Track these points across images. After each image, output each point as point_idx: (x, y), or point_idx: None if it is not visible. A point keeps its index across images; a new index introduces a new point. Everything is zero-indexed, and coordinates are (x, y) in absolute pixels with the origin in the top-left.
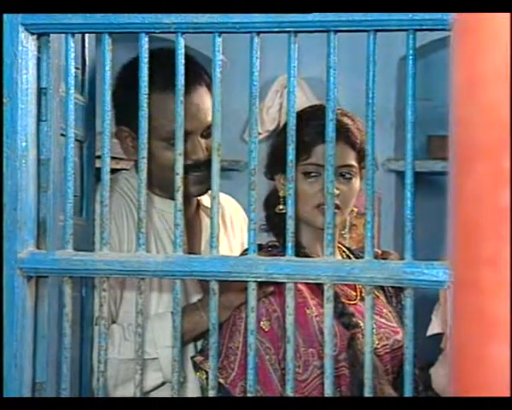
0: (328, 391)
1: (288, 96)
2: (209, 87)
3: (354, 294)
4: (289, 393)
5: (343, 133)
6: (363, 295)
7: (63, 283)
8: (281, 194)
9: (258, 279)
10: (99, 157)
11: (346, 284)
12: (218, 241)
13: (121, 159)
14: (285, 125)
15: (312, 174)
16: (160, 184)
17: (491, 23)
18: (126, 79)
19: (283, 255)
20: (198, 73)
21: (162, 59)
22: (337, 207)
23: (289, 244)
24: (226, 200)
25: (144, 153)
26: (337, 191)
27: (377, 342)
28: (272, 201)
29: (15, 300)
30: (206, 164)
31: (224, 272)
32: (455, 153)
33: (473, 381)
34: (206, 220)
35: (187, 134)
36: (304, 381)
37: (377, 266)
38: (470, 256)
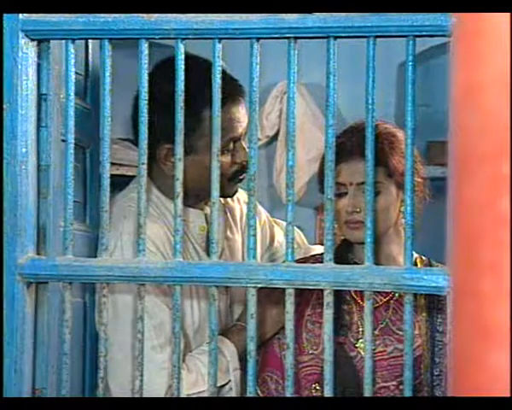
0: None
1: (288, 102)
2: (244, 97)
3: (384, 298)
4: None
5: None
6: (392, 301)
7: (63, 289)
8: None
9: (258, 285)
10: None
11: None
12: (217, 247)
13: (122, 165)
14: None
15: (336, 193)
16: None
17: (491, 29)
18: (162, 93)
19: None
20: (236, 84)
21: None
22: (361, 222)
23: (289, 250)
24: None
25: (144, 158)
26: (357, 209)
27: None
28: None
29: (15, 306)
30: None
31: (224, 278)
32: (455, 159)
33: (472, 387)
34: (241, 210)
35: (235, 141)
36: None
37: (377, 272)
38: (470, 262)
